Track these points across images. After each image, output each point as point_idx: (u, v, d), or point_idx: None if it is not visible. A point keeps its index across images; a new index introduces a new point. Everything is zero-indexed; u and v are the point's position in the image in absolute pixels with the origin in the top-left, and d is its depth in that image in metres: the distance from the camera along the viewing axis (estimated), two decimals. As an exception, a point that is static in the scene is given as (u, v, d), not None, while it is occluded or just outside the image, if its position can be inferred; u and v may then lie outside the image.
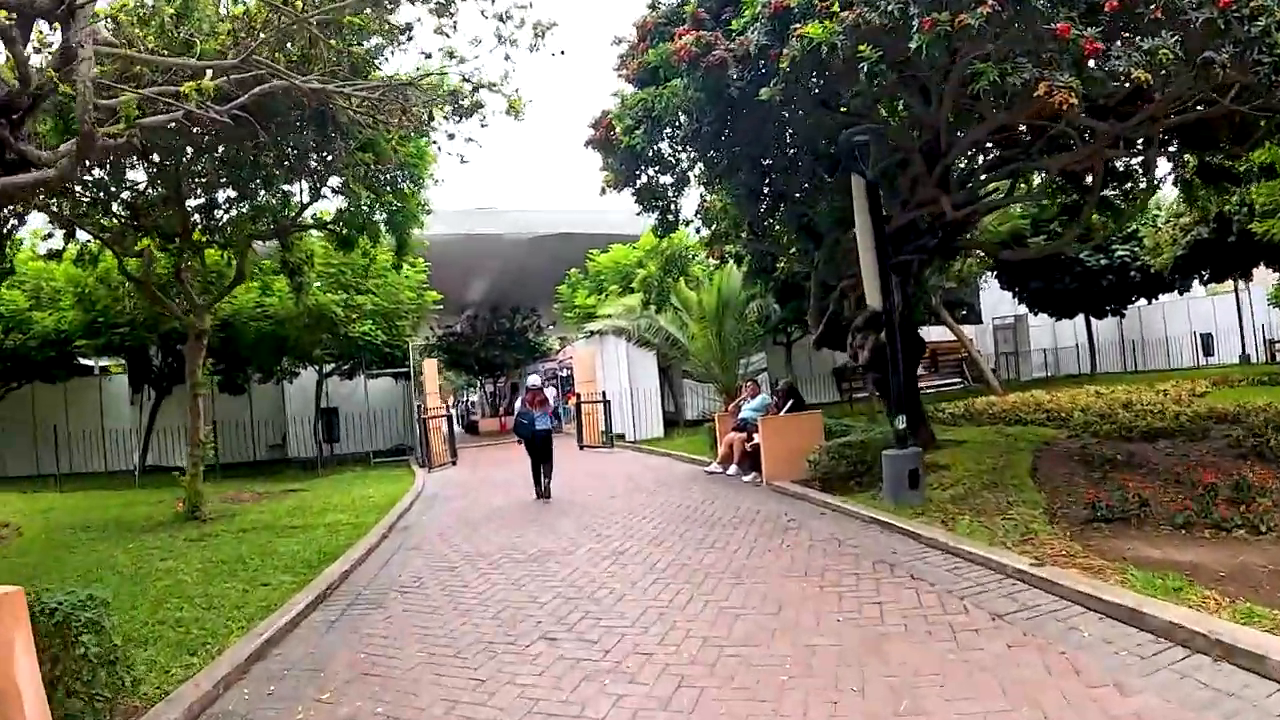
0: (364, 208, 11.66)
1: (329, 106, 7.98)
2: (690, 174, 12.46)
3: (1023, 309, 27.44)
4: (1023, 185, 12.18)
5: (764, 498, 9.64)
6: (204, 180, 11.09)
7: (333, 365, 18.48)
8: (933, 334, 23.68)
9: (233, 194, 11.58)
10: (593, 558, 7.02)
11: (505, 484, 13.00)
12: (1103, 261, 23.21)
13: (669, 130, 9.92)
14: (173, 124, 6.34)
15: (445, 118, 8.28)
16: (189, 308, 11.89)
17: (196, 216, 12.39)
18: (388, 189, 10.69)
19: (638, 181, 11.57)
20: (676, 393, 21.91)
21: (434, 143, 9.55)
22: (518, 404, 11.50)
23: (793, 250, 13.19)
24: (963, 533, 6.49)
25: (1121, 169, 11.52)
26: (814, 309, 12.89)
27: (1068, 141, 9.52)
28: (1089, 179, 10.97)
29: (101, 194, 11.46)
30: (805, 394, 22.26)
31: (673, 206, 12.74)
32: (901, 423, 8.24)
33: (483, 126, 9.77)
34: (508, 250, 23.25)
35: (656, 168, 12.13)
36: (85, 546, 8.90)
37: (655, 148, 11.40)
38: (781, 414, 11.66)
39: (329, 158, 8.44)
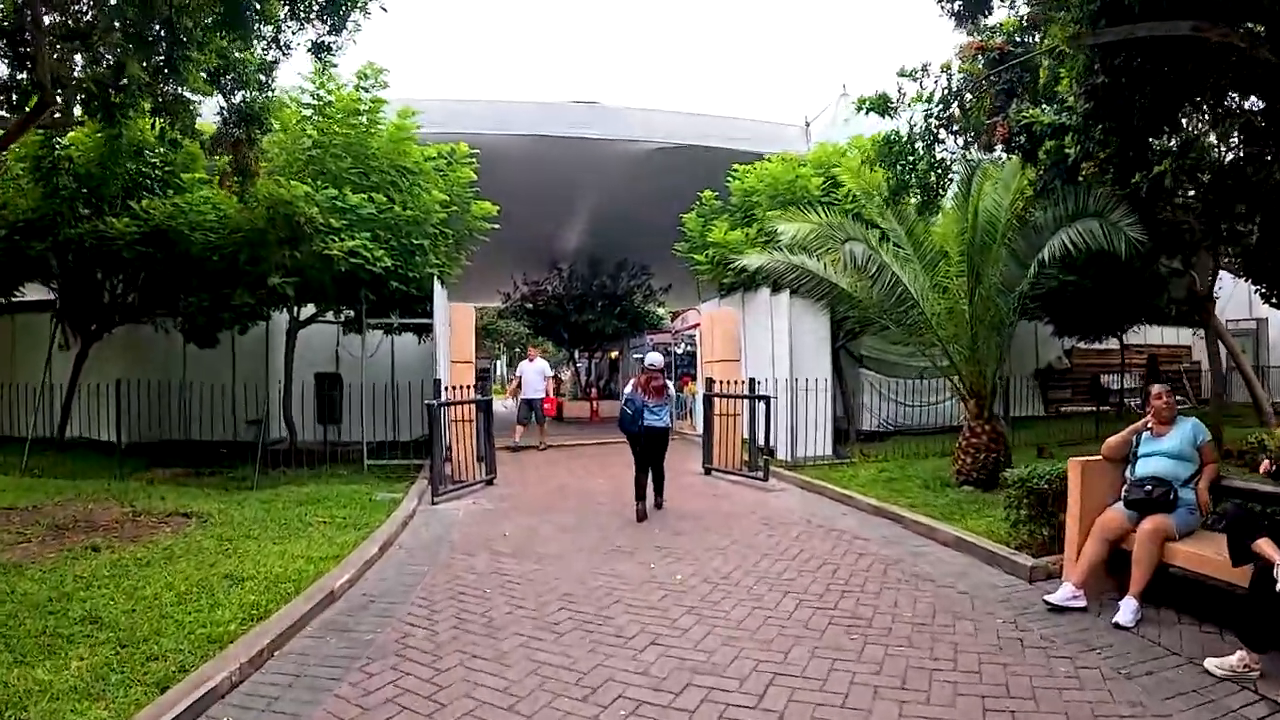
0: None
1: None
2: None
3: (1266, 311, 18.16)
4: None
5: None
6: None
7: (314, 307, 11.78)
8: (1148, 336, 18.20)
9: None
10: None
11: (563, 566, 5.87)
12: None
13: None
14: None
15: None
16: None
17: None
18: None
19: None
20: (848, 388, 14.24)
21: None
22: (627, 389, 8.57)
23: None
24: None
25: None
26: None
27: None
28: None
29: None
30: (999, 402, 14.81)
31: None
32: None
33: None
34: (615, 166, 16.15)
35: None
36: None
37: None
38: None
39: None
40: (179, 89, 8.84)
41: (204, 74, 8.61)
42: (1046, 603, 5.02)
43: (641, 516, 7.87)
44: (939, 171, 5.91)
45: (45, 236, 10.70)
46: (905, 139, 5.87)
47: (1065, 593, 5.01)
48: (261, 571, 5.63)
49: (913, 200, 6.83)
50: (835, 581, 5.54)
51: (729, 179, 13.73)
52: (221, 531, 7.01)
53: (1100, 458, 5.49)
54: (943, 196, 7.18)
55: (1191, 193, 9.22)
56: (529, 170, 15.40)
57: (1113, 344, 16.43)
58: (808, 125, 17.08)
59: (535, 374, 14.86)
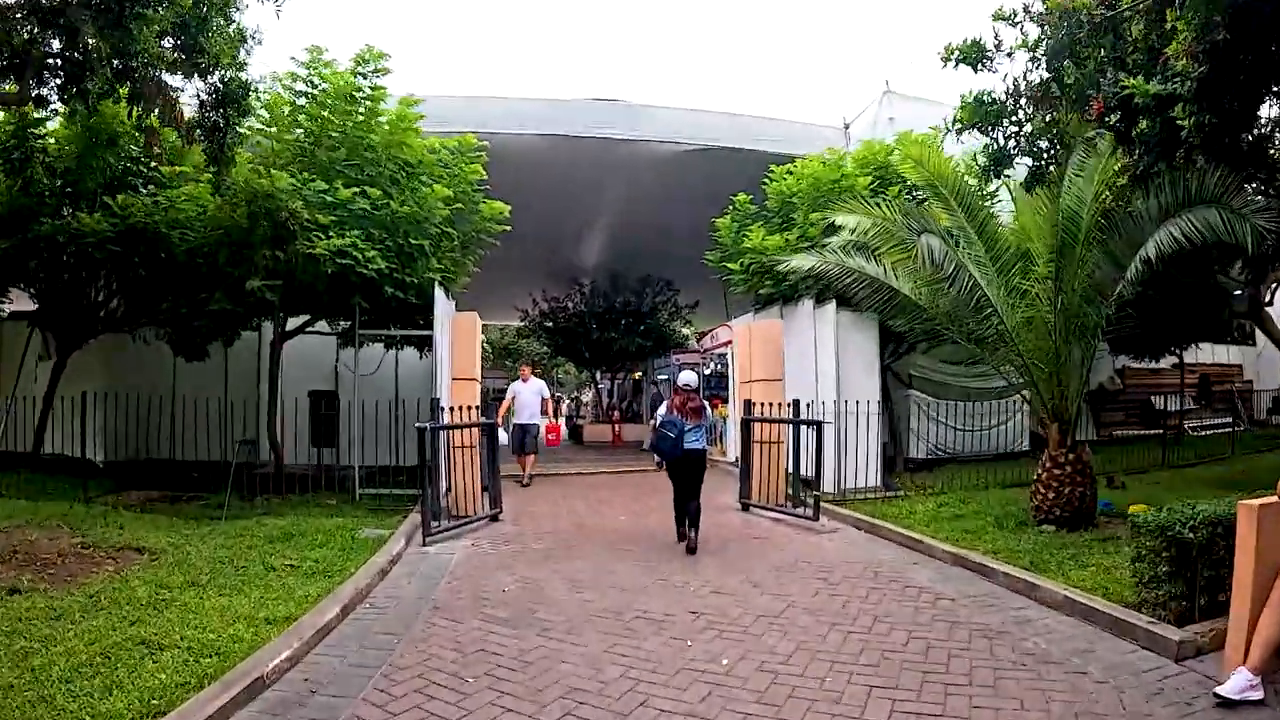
0: None
1: None
2: None
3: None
4: None
5: None
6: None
7: (304, 317, 10.65)
8: (1199, 355, 16.83)
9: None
10: None
11: (573, 642, 4.58)
12: None
13: None
14: None
15: None
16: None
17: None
18: None
19: None
20: (895, 411, 12.85)
21: None
22: (661, 410, 8.36)
23: None
24: None
25: None
26: None
27: None
28: None
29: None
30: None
31: None
32: None
33: None
34: (639, 169, 15.00)
35: None
36: None
37: None
38: None
39: None
40: (151, 70, 7.86)
41: (170, 45, 7.59)
42: (1218, 696, 3.73)
43: (682, 537, 7.48)
44: (1052, 134, 4.60)
45: (14, 234, 9.70)
46: (1004, 98, 4.62)
47: (1240, 682, 3.72)
48: (189, 637, 4.44)
49: (1010, 174, 5.56)
50: (932, 667, 4.19)
51: (765, 181, 12.52)
52: (165, 575, 5.84)
53: (1277, 499, 4.15)
54: (1058, 166, 5.86)
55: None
56: (546, 173, 14.30)
57: (1163, 363, 15.39)
58: (847, 127, 15.89)
59: (532, 395, 12.74)
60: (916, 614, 5.11)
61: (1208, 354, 17.68)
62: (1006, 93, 4.98)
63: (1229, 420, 16.68)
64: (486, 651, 4.40)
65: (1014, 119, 4.78)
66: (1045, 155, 4.99)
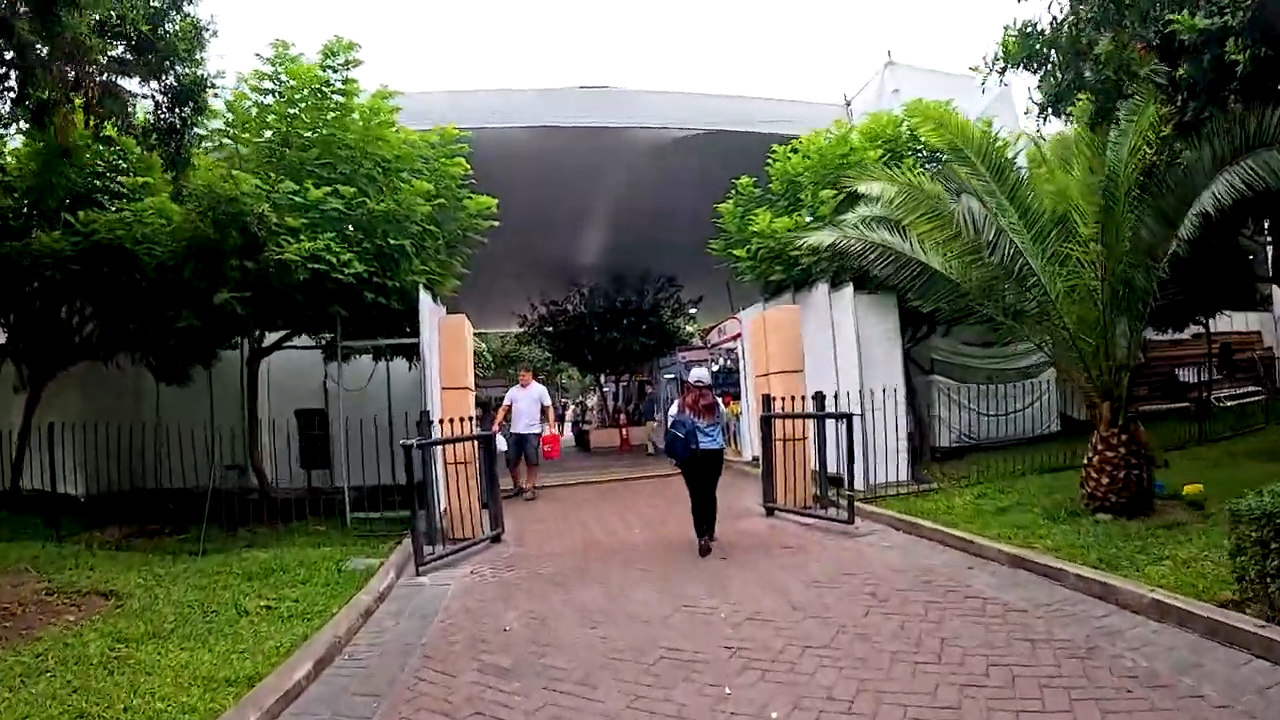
0: None
1: None
2: None
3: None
4: None
5: None
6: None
7: (281, 332, 9.97)
8: (1217, 323, 15.60)
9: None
10: None
11: (587, 695, 3.87)
12: None
13: None
14: None
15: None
16: None
17: None
18: None
19: None
20: (918, 399, 12.10)
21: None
22: (673, 409, 7.91)
23: None
24: None
25: None
26: None
27: None
28: None
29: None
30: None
31: None
32: None
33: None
34: (633, 159, 14.35)
35: None
36: None
37: None
38: None
39: None
40: (104, 73, 7.21)
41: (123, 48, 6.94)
42: None
43: (705, 552, 7.05)
44: (1117, 64, 3.87)
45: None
46: (1057, 25, 3.90)
47: None
48: (134, 708, 3.79)
49: (1073, 111, 4.86)
50: (1024, 704, 3.46)
51: (768, 162, 11.81)
52: (126, 625, 5.17)
53: None
54: (1125, 100, 5.11)
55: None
56: (537, 167, 13.62)
57: (1185, 333, 14.78)
58: (848, 103, 15.19)
59: (530, 402, 11.77)
60: (988, 633, 4.37)
61: (1225, 322, 17.01)
62: (1055, 21, 4.28)
63: (1256, 389, 16.01)
64: (484, 716, 3.65)
65: (1075, 46, 4.06)
66: (1113, 89, 4.28)
